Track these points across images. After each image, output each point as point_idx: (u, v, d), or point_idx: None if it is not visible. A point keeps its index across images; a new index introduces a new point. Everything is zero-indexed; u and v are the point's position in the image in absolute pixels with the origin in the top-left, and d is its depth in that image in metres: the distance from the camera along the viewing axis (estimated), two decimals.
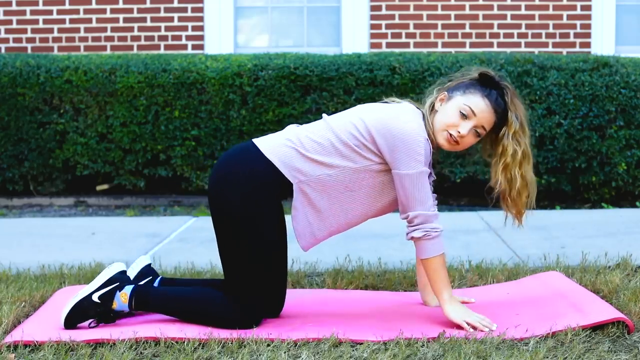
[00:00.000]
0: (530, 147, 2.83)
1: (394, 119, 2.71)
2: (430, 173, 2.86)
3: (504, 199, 2.82)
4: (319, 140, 2.75)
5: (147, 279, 2.86)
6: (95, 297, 2.73)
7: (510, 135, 2.77)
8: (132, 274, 2.87)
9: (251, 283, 2.72)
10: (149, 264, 2.90)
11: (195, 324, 2.74)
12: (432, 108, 2.82)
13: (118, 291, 2.75)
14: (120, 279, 2.78)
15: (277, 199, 2.78)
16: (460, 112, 2.75)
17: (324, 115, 2.87)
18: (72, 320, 2.72)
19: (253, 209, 2.70)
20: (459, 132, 2.75)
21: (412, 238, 2.72)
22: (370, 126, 2.72)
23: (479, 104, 2.76)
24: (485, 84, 2.80)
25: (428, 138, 2.74)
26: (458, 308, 2.70)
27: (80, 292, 2.75)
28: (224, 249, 2.77)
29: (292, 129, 2.84)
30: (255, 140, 2.81)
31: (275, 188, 2.74)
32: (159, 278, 2.92)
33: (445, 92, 2.82)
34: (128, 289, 2.77)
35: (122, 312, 2.78)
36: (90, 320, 2.74)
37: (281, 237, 2.78)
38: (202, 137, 5.89)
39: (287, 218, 2.86)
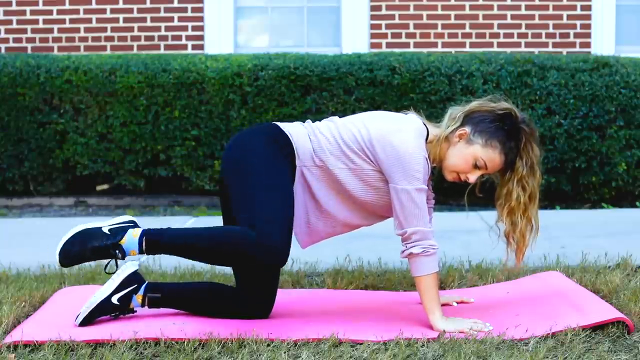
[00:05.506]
0: (539, 187, 2.82)
1: (395, 133, 2.72)
2: (430, 196, 2.90)
3: (507, 239, 2.84)
4: (326, 135, 2.80)
5: (132, 288, 2.83)
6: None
7: (516, 180, 2.79)
8: (117, 281, 2.82)
9: (269, 215, 2.64)
10: (135, 271, 2.87)
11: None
12: (447, 136, 2.80)
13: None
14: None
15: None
16: (475, 163, 2.77)
17: (332, 117, 2.92)
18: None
19: (273, 159, 2.74)
20: (468, 178, 2.79)
21: (409, 254, 2.71)
22: (372, 136, 2.74)
23: (495, 160, 2.77)
24: (507, 126, 2.77)
25: (427, 157, 2.74)
26: (449, 322, 2.71)
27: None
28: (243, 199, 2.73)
29: (302, 123, 2.90)
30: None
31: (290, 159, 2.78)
32: (144, 284, 2.87)
33: (467, 130, 2.78)
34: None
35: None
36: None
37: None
38: (202, 137, 5.89)
39: None
